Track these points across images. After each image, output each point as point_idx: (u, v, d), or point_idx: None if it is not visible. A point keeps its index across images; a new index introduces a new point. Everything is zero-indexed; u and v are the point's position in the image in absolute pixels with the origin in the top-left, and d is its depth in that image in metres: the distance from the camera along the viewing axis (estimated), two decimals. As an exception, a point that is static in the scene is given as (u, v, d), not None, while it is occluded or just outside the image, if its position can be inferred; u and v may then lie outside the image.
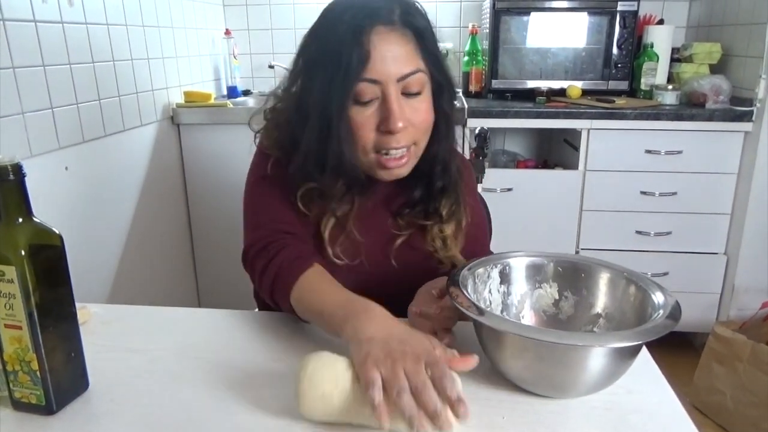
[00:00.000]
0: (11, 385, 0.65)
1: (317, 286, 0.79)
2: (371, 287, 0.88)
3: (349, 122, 0.81)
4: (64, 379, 0.66)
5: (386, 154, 0.84)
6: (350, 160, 0.83)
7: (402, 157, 0.84)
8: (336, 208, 0.89)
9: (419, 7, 0.85)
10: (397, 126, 0.80)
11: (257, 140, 0.96)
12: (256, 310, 1.01)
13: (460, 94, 2.42)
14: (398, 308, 0.82)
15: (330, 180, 0.86)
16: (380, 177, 0.87)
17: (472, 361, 0.62)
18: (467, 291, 0.72)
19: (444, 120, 0.88)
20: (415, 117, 0.83)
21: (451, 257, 0.94)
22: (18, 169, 0.60)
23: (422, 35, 0.82)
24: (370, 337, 0.64)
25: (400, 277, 0.92)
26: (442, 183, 0.91)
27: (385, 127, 0.81)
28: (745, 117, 1.98)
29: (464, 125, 2.06)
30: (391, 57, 0.79)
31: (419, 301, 0.82)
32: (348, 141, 0.82)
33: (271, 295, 0.83)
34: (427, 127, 0.86)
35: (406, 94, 0.82)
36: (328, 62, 0.79)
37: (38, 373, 0.63)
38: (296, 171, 0.87)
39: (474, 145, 1.48)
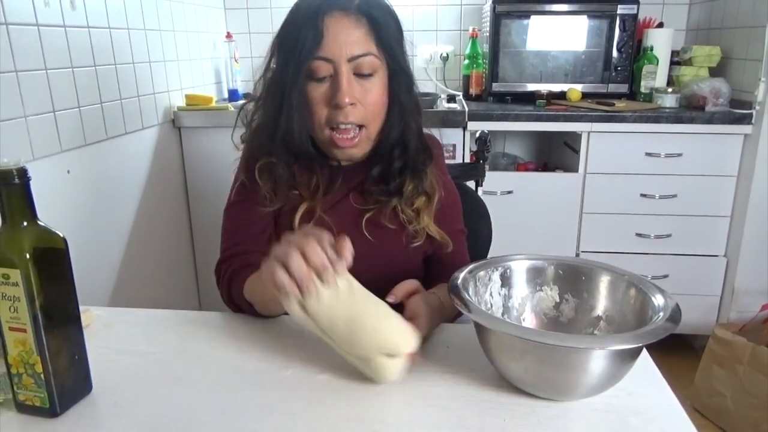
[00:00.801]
0: (15, 387, 0.65)
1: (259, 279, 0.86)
2: (351, 265, 0.93)
3: (301, 96, 0.88)
4: (67, 381, 0.66)
5: (338, 131, 0.89)
6: (299, 132, 0.90)
7: (353, 137, 0.90)
8: (300, 189, 0.95)
9: (383, 1, 0.91)
10: (344, 100, 0.86)
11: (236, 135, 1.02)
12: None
13: (461, 96, 2.43)
14: (378, 280, 0.85)
15: (280, 150, 0.92)
16: (335, 156, 0.94)
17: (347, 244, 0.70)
18: (468, 294, 0.72)
19: (398, 104, 0.93)
20: (365, 97, 0.89)
21: (424, 228, 0.98)
22: (23, 173, 0.60)
23: (378, 23, 0.88)
24: None
25: (377, 252, 0.96)
26: (401, 162, 0.96)
27: (334, 101, 0.87)
28: (745, 120, 1.98)
29: (465, 128, 2.07)
30: (344, 38, 0.86)
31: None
32: (299, 113, 0.89)
33: (230, 299, 0.92)
34: (378, 110, 0.91)
35: (359, 75, 0.88)
36: (288, 43, 0.88)
37: (42, 375, 0.64)
38: (256, 148, 0.95)
39: (474, 148, 1.48)
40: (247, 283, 0.87)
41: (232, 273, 0.91)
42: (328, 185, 0.97)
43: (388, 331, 0.69)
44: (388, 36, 0.89)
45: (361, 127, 0.91)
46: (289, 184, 0.94)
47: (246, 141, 1.00)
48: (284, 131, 0.90)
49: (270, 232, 0.98)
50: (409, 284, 0.83)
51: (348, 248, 0.69)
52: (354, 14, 0.87)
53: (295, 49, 0.86)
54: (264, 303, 0.86)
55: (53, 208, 1.46)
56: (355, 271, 0.96)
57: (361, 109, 0.89)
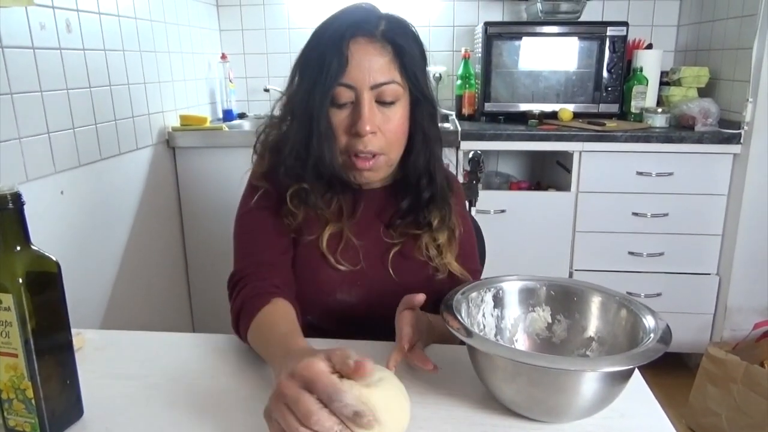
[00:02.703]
0: (5, 413, 0.65)
1: (266, 327, 0.80)
2: (372, 297, 0.94)
3: (327, 123, 0.87)
4: (58, 406, 0.66)
5: (356, 155, 0.89)
6: (329, 159, 0.89)
7: (369, 160, 0.89)
8: (325, 212, 0.94)
9: (408, 26, 0.91)
10: (365, 129, 0.86)
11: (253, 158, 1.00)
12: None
13: (454, 116, 2.45)
14: (394, 314, 0.84)
15: (312, 178, 0.91)
16: (353, 179, 0.93)
17: (361, 365, 0.58)
18: (461, 315, 0.73)
19: (420, 133, 0.92)
20: (386, 125, 0.88)
21: (446, 264, 0.97)
22: (17, 198, 0.60)
23: (402, 51, 0.88)
24: None
25: (399, 287, 0.95)
26: (429, 193, 0.95)
27: (354, 129, 0.87)
28: (734, 139, 2.01)
29: (457, 148, 2.09)
30: (367, 65, 0.85)
31: (397, 323, 0.81)
32: (328, 139, 0.88)
33: (237, 331, 0.87)
34: (398, 138, 0.91)
35: (381, 102, 0.88)
36: (313, 67, 0.87)
37: (33, 401, 0.63)
38: (284, 172, 0.92)
39: (468, 168, 1.50)
40: (254, 328, 0.81)
41: (243, 301, 0.85)
42: (351, 208, 0.97)
43: None
44: (412, 64, 0.89)
45: (380, 153, 0.90)
46: (316, 209, 0.94)
47: (266, 153, 0.97)
48: (316, 157, 0.89)
49: (291, 251, 0.96)
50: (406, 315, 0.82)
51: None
52: (379, 41, 0.86)
53: (320, 74, 0.85)
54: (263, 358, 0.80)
55: (46, 228, 1.46)
56: (369, 301, 0.95)
57: (381, 138, 0.88)
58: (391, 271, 0.95)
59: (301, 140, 0.89)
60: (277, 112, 0.96)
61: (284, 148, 0.92)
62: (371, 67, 0.85)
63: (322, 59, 0.85)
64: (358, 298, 0.95)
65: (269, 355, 0.76)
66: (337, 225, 0.94)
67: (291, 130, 0.92)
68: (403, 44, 0.87)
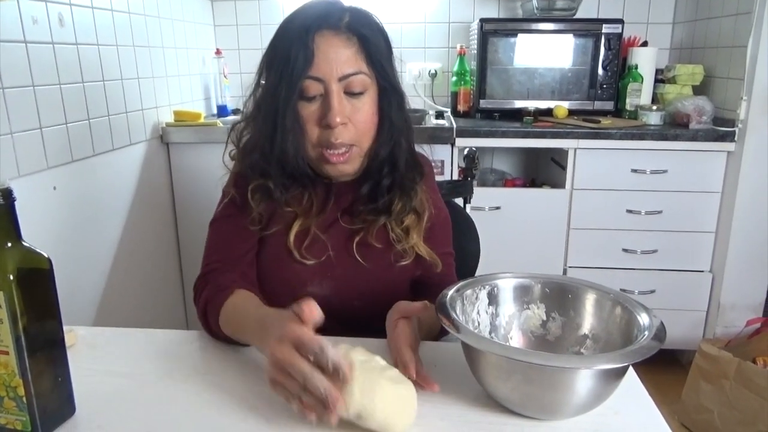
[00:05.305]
0: (-4, 411, 0.64)
1: (236, 312, 0.84)
2: (344, 288, 0.95)
3: (294, 116, 0.87)
4: (50, 404, 0.65)
5: (329, 149, 0.89)
6: (294, 153, 0.89)
7: (345, 153, 0.90)
8: (295, 208, 0.94)
9: (371, 17, 0.92)
10: (335, 120, 0.86)
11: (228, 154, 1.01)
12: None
13: (449, 113, 2.45)
14: (370, 305, 0.85)
15: (277, 173, 0.92)
16: (327, 173, 0.93)
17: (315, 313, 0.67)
18: (455, 313, 0.73)
19: (388, 122, 0.93)
20: (356, 116, 0.89)
21: (413, 247, 0.97)
22: (8, 194, 0.60)
23: (367, 41, 0.89)
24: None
25: (367, 273, 0.96)
26: (389, 180, 0.95)
27: (325, 121, 0.87)
28: (728, 137, 2.02)
29: (452, 144, 2.08)
30: (334, 57, 0.86)
31: (394, 340, 0.80)
32: (294, 133, 0.88)
33: (206, 326, 0.90)
34: (368, 128, 0.91)
35: (349, 93, 0.88)
36: (279, 62, 0.87)
37: (24, 398, 0.63)
38: (250, 167, 0.93)
39: (463, 165, 1.50)
40: (225, 317, 0.84)
41: (207, 299, 0.89)
42: (322, 203, 0.97)
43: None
44: (378, 54, 0.90)
45: (352, 144, 0.91)
46: (283, 205, 0.94)
47: (236, 158, 0.99)
48: (279, 152, 0.89)
49: (254, 252, 0.98)
50: (404, 306, 0.83)
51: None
52: (344, 33, 0.87)
53: (286, 68, 0.85)
54: (244, 342, 0.83)
55: (38, 224, 1.45)
56: (342, 293, 0.96)
57: (351, 129, 0.89)
58: (358, 258, 0.95)
59: (267, 136, 0.90)
60: (248, 109, 0.96)
61: (251, 145, 0.94)
62: (338, 58, 0.86)
63: (288, 54, 0.86)
64: (331, 289, 0.96)
65: (248, 332, 0.79)
66: (305, 221, 0.95)
67: (257, 125, 0.93)
68: (368, 35, 0.89)
